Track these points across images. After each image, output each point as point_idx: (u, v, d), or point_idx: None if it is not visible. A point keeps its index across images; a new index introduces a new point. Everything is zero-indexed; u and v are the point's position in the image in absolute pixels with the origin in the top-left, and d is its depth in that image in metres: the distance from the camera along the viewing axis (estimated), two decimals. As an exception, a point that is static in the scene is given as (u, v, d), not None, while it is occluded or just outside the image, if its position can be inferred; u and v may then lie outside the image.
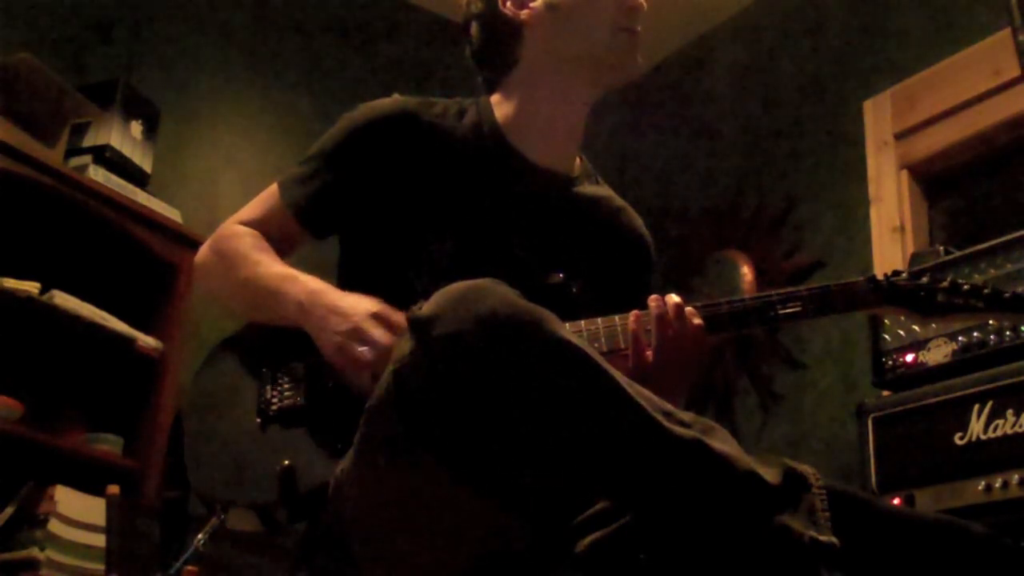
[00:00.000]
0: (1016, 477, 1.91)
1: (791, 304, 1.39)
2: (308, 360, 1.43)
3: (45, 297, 2.56)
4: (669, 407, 1.11)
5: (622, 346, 1.39)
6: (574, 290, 1.49)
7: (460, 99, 1.63)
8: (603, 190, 1.70)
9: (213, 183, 3.29)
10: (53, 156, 2.70)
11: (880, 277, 1.42)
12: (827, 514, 1.10)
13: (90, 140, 2.82)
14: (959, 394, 2.04)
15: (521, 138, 1.59)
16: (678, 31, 3.86)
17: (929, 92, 2.99)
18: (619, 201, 1.71)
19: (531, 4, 1.58)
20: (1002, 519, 1.88)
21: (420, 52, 3.86)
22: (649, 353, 1.37)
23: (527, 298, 1.11)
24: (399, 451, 1.14)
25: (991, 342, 2.08)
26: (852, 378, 2.97)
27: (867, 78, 3.21)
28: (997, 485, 1.93)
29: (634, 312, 1.39)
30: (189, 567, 1.82)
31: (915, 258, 2.49)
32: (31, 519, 2.41)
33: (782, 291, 1.41)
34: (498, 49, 1.62)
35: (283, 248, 1.56)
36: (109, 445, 2.65)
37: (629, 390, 1.08)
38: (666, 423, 1.08)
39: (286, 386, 1.42)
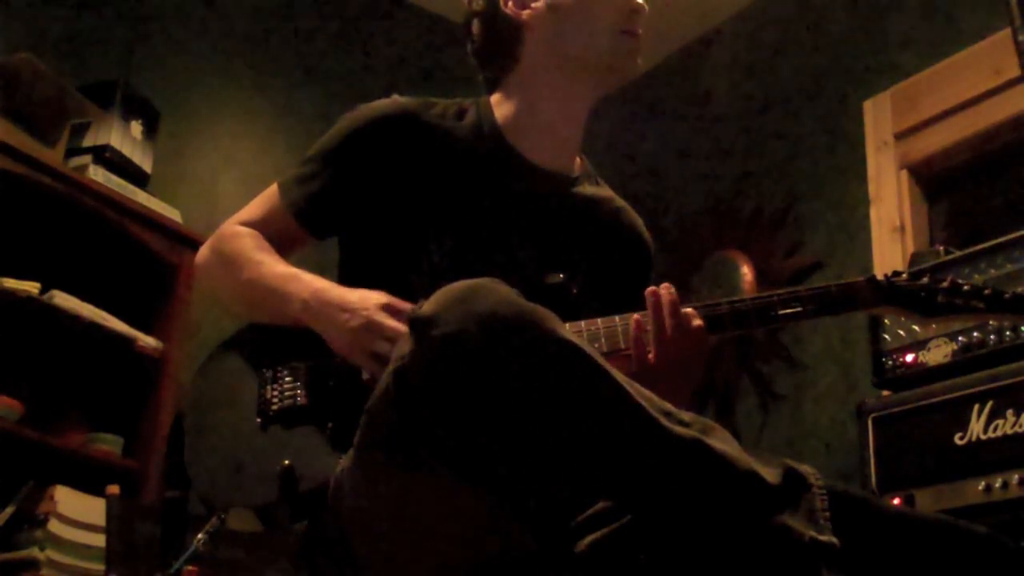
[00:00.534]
0: (1016, 477, 1.91)
1: (791, 305, 1.39)
2: (309, 359, 1.43)
3: (45, 297, 2.56)
4: (669, 407, 1.11)
5: (622, 346, 1.39)
6: (574, 291, 1.49)
7: (460, 99, 1.63)
8: (603, 190, 1.70)
9: (213, 183, 3.29)
10: (53, 156, 2.70)
11: (880, 277, 1.42)
12: (827, 514, 1.10)
13: (90, 140, 2.82)
14: (959, 394, 2.04)
15: (521, 138, 1.59)
16: (678, 31, 3.86)
17: (929, 92, 2.99)
18: (619, 201, 1.71)
19: (532, 4, 1.58)
20: (1002, 519, 1.88)
21: (420, 52, 3.86)
22: (651, 355, 1.37)
23: (527, 298, 1.11)
24: (399, 451, 1.14)
25: (991, 342, 2.08)
26: (852, 378, 2.97)
27: (867, 78, 3.21)
28: (997, 485, 1.93)
29: (635, 315, 1.39)
30: (189, 567, 1.82)
31: (915, 258, 2.49)
32: (31, 519, 2.41)
33: (782, 291, 1.41)
34: (499, 48, 1.62)
35: (283, 249, 1.56)
36: (109, 445, 2.65)
37: (629, 390, 1.08)
38: (666, 423, 1.08)
39: (286, 386, 1.42)
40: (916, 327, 2.19)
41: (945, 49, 2.99)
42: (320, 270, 1.50)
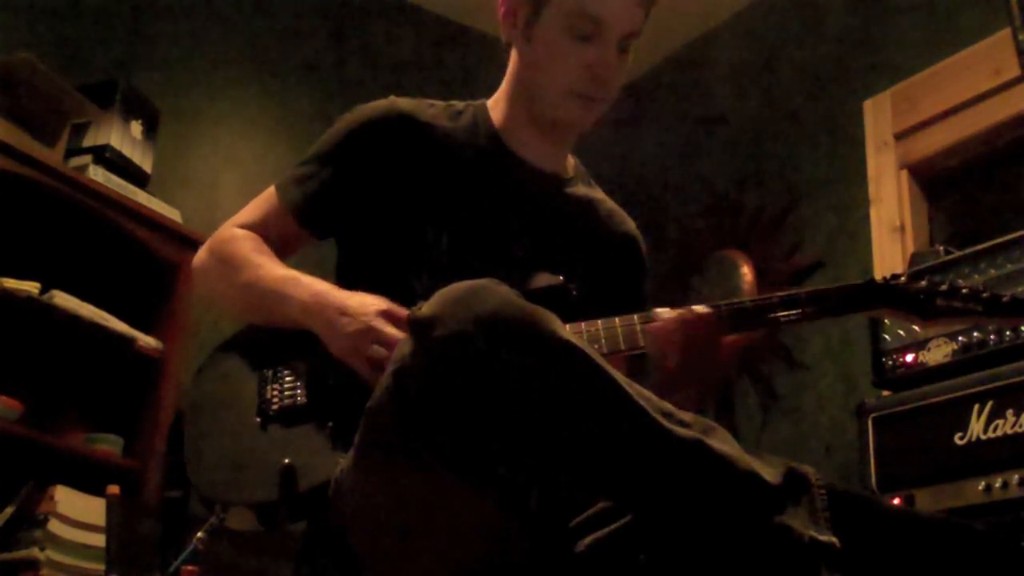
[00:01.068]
0: (1016, 477, 1.91)
1: (791, 307, 1.40)
2: (309, 359, 1.43)
3: (45, 297, 2.56)
4: (670, 407, 1.11)
5: (622, 347, 1.40)
6: (573, 292, 1.49)
7: (457, 101, 1.64)
8: (596, 192, 1.70)
9: (213, 183, 3.29)
10: (53, 156, 2.70)
11: (880, 280, 1.42)
12: (827, 514, 1.10)
13: (90, 140, 2.82)
14: (959, 394, 2.04)
15: (516, 139, 1.60)
16: (678, 31, 3.86)
17: (929, 92, 2.99)
18: (611, 203, 1.71)
19: (515, 29, 1.55)
20: (1002, 519, 1.88)
21: (420, 52, 3.86)
22: (671, 361, 1.38)
23: (526, 298, 1.11)
24: (399, 452, 1.14)
25: (991, 342, 2.08)
26: (852, 378, 2.97)
27: (867, 78, 3.21)
28: (997, 485, 1.93)
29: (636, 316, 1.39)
30: (188, 567, 1.82)
31: (915, 258, 2.49)
32: (31, 519, 2.41)
33: (782, 293, 1.41)
34: (506, 51, 1.62)
35: (283, 250, 1.56)
36: (109, 445, 2.65)
37: (629, 391, 1.08)
38: (666, 423, 1.08)
39: (287, 385, 1.42)
40: (916, 328, 2.19)
41: (945, 49, 2.99)
42: (320, 270, 1.50)
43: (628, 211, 1.74)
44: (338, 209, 1.56)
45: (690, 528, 1.09)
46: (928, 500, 2.03)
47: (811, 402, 3.10)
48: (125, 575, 2.29)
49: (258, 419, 1.40)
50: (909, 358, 2.21)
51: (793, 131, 3.44)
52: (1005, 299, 1.36)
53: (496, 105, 1.62)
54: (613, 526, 1.16)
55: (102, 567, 2.35)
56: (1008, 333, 2.05)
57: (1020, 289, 1.95)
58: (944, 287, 1.39)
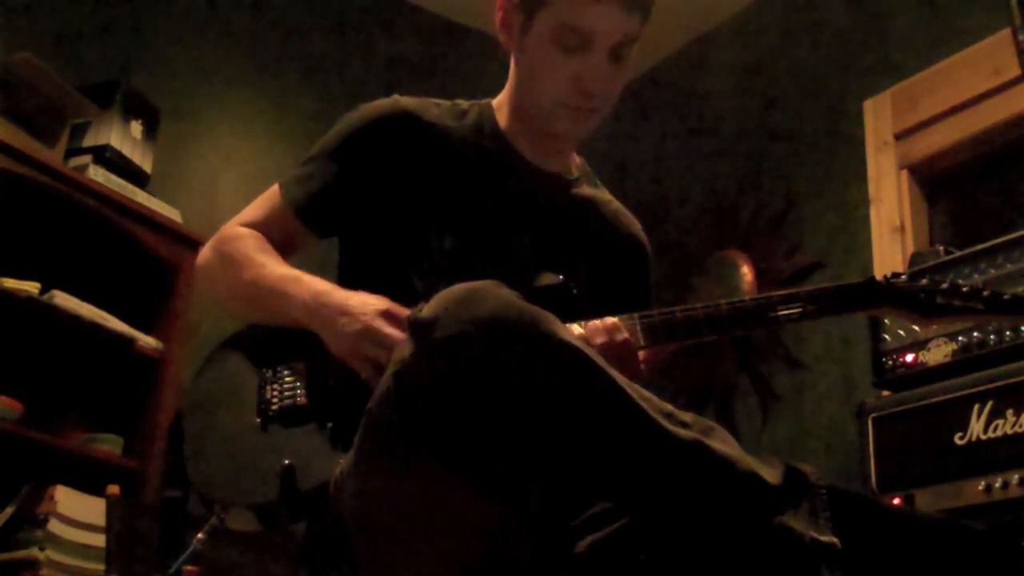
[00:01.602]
0: (1016, 477, 1.91)
1: (791, 306, 1.39)
2: (309, 359, 1.43)
3: (45, 297, 2.56)
4: (670, 408, 1.11)
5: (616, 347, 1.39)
6: (574, 291, 1.49)
7: (461, 100, 1.63)
8: (601, 192, 1.70)
9: (213, 183, 3.29)
10: (53, 156, 2.70)
11: (880, 278, 1.42)
12: (827, 514, 1.10)
13: (90, 140, 2.82)
14: (959, 394, 2.05)
15: (520, 140, 1.59)
16: (678, 31, 3.86)
17: (929, 92, 2.99)
18: (616, 204, 1.71)
19: (511, 38, 1.54)
20: (1002, 519, 1.88)
21: (420, 52, 3.86)
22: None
23: (527, 299, 1.11)
24: (399, 453, 1.14)
25: (991, 342, 2.08)
26: (852, 378, 2.97)
27: (867, 78, 3.21)
28: (997, 485, 1.93)
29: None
30: (188, 567, 1.82)
31: (915, 258, 2.49)
32: (31, 519, 2.41)
33: (782, 292, 1.41)
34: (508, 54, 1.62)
35: (286, 249, 1.56)
36: (109, 445, 2.65)
37: (630, 391, 1.08)
38: (667, 424, 1.08)
39: (286, 385, 1.42)
40: (916, 327, 2.19)
41: (945, 49, 2.99)
42: (320, 270, 1.50)
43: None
44: (341, 208, 1.56)
45: (690, 529, 1.09)
46: (928, 500, 2.03)
47: (811, 402, 3.10)
48: (125, 575, 2.29)
49: (258, 419, 1.40)
50: (909, 358, 2.21)
51: (793, 131, 3.44)
52: (1006, 297, 1.36)
53: (501, 106, 1.62)
54: (613, 526, 1.16)
55: (102, 567, 2.35)
56: (1008, 333, 2.05)
57: (1020, 289, 1.95)
58: (945, 285, 1.38)
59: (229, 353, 1.52)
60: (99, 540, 2.39)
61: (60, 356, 2.72)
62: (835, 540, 1.06)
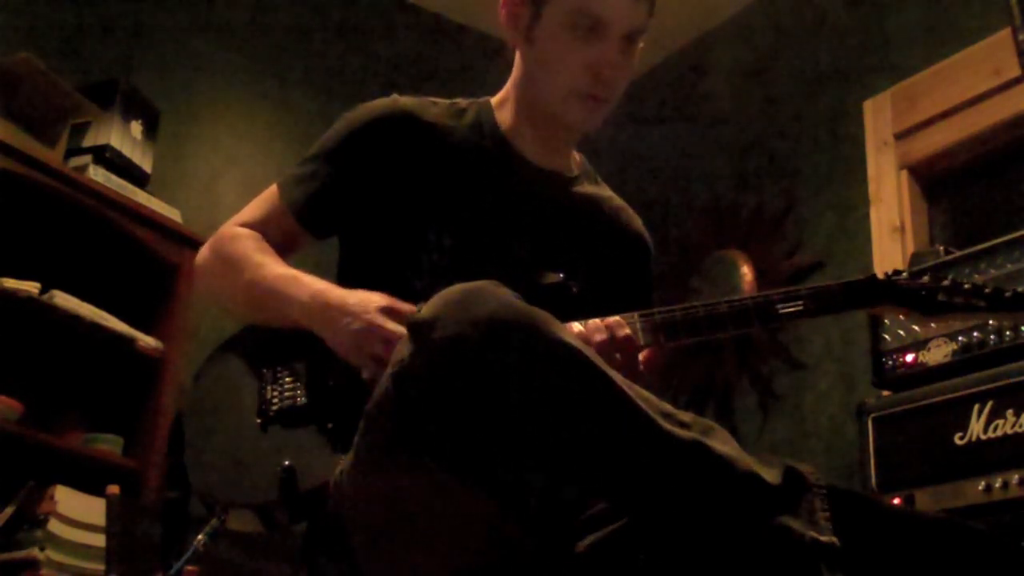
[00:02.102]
0: (1016, 477, 1.91)
1: (791, 303, 1.39)
2: (308, 360, 1.43)
3: (45, 297, 2.56)
4: (669, 408, 1.11)
5: (617, 347, 1.39)
6: (574, 290, 1.49)
7: (460, 99, 1.63)
8: (602, 190, 1.70)
9: (213, 183, 3.29)
10: (53, 156, 2.70)
11: (881, 276, 1.42)
12: (827, 514, 1.09)
13: (90, 140, 2.82)
14: (959, 394, 2.05)
15: (520, 138, 1.59)
16: (678, 31, 3.86)
17: (929, 92, 2.99)
18: (618, 201, 1.71)
19: (517, 32, 1.55)
20: (1002, 519, 1.88)
21: (420, 52, 3.86)
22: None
23: (526, 298, 1.10)
24: (399, 453, 1.14)
25: (991, 342, 2.08)
26: (852, 378, 2.97)
27: (867, 78, 3.21)
28: (997, 485, 1.93)
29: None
30: (189, 567, 1.82)
31: (915, 258, 2.49)
32: (31, 519, 2.41)
33: (782, 290, 1.41)
34: (512, 51, 1.62)
35: (284, 249, 1.56)
36: (109, 445, 2.65)
37: (629, 392, 1.08)
38: (666, 425, 1.08)
39: (286, 386, 1.42)
40: (916, 327, 2.19)
41: (945, 49, 2.98)
42: (320, 270, 1.50)
43: (627, 210, 1.73)
44: (339, 209, 1.56)
45: (690, 529, 1.08)
46: (928, 500, 2.03)
47: (811, 402, 3.10)
48: (125, 575, 2.29)
49: (258, 420, 1.40)
50: (909, 358, 2.21)
51: (793, 131, 3.44)
52: (1008, 295, 1.36)
53: (501, 105, 1.62)
54: (613, 526, 1.16)
55: (102, 567, 2.35)
56: (1008, 333, 2.05)
57: (1021, 289, 1.95)
58: (946, 283, 1.38)
59: (229, 354, 1.52)
60: (99, 540, 2.39)
61: (60, 356, 2.72)
62: (835, 540, 1.06)
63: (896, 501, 2.05)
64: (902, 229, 2.96)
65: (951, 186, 3.03)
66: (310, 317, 1.41)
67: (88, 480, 2.48)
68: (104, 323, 2.65)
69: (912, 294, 1.39)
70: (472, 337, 1.05)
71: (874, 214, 3.05)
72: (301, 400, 1.40)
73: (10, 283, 2.50)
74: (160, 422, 2.68)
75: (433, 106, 1.59)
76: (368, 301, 1.37)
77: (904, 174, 3.03)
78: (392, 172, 1.53)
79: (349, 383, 1.37)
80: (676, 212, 3.77)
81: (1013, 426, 1.94)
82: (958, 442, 2.01)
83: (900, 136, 3.05)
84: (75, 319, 2.59)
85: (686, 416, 1.12)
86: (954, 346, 2.14)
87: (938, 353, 2.16)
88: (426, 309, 1.10)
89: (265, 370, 1.45)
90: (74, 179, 2.67)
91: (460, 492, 1.15)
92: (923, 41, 3.07)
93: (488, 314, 1.06)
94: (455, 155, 1.55)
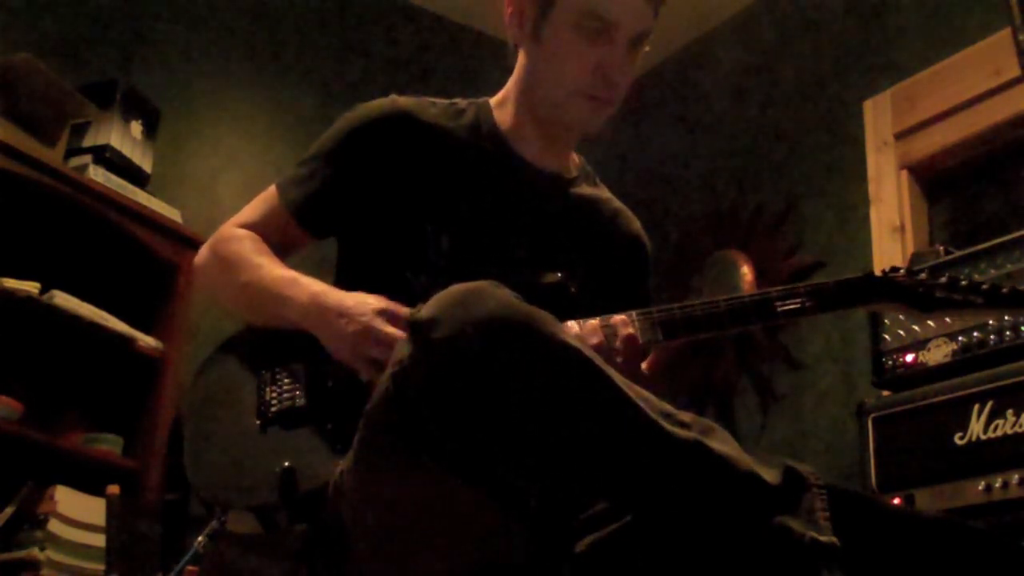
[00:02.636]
0: (1016, 477, 1.91)
1: (790, 300, 1.39)
2: (307, 361, 1.43)
3: (45, 297, 2.56)
4: (669, 408, 1.11)
5: (618, 347, 1.39)
6: (572, 290, 1.49)
7: (458, 100, 1.63)
8: (601, 191, 1.70)
9: (213, 183, 3.29)
10: (53, 156, 2.70)
11: (879, 273, 1.42)
12: (827, 514, 1.09)
13: (90, 140, 2.82)
14: (959, 394, 2.05)
15: (519, 139, 1.59)
16: (678, 31, 3.86)
17: (929, 92, 2.99)
18: (617, 203, 1.71)
19: (522, 30, 1.54)
20: (1002, 519, 1.88)
21: (420, 52, 3.86)
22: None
23: (525, 298, 1.10)
24: (398, 454, 1.14)
25: (991, 342, 2.08)
26: (852, 378, 2.97)
27: (867, 78, 3.21)
28: (997, 485, 1.93)
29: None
30: (189, 567, 1.82)
31: (915, 258, 2.49)
32: (31, 519, 2.41)
33: (781, 288, 1.41)
34: (513, 51, 1.62)
35: (283, 250, 1.56)
36: (109, 445, 2.65)
37: (628, 392, 1.08)
38: (665, 424, 1.08)
39: (285, 387, 1.42)
40: (916, 326, 2.19)
41: (945, 49, 2.98)
42: (320, 270, 1.50)
43: (627, 211, 1.74)
44: (338, 210, 1.55)
45: (690, 529, 1.08)
46: (928, 500, 2.03)
47: (811, 402, 3.10)
48: (125, 575, 2.29)
49: (257, 421, 1.40)
50: (909, 358, 2.21)
51: (793, 131, 3.44)
52: (1005, 291, 1.36)
53: (500, 105, 1.62)
54: (613, 526, 1.16)
55: (102, 567, 2.35)
56: (1008, 333, 2.05)
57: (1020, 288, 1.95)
58: (943, 279, 1.38)
59: (228, 355, 1.52)
60: (99, 540, 2.39)
61: (60, 356, 2.72)
62: (834, 540, 1.06)
63: (896, 501, 2.05)
64: (902, 229, 2.96)
65: (951, 186, 3.03)
66: (308, 319, 1.41)
67: (88, 480, 2.48)
68: (104, 323, 2.65)
69: (910, 291, 1.39)
70: (472, 337, 1.05)
71: (874, 214, 3.05)
72: (300, 401, 1.40)
73: (10, 283, 2.50)
74: (160, 422, 2.68)
75: (432, 106, 1.59)
76: (365, 304, 1.36)
77: (904, 174, 3.03)
78: (391, 172, 1.53)
79: (348, 384, 1.37)
80: (676, 212, 3.78)
81: (1013, 426, 1.94)
82: (958, 442, 2.01)
83: (900, 136, 3.05)
84: (75, 319, 2.59)
85: (686, 416, 1.12)
86: (954, 346, 2.14)
87: (938, 353, 2.16)
88: (426, 309, 1.10)
89: (264, 371, 1.45)
90: (74, 179, 2.67)
91: (460, 492, 1.15)
92: (923, 41, 3.07)
93: (488, 314, 1.06)
94: (454, 155, 1.55)
